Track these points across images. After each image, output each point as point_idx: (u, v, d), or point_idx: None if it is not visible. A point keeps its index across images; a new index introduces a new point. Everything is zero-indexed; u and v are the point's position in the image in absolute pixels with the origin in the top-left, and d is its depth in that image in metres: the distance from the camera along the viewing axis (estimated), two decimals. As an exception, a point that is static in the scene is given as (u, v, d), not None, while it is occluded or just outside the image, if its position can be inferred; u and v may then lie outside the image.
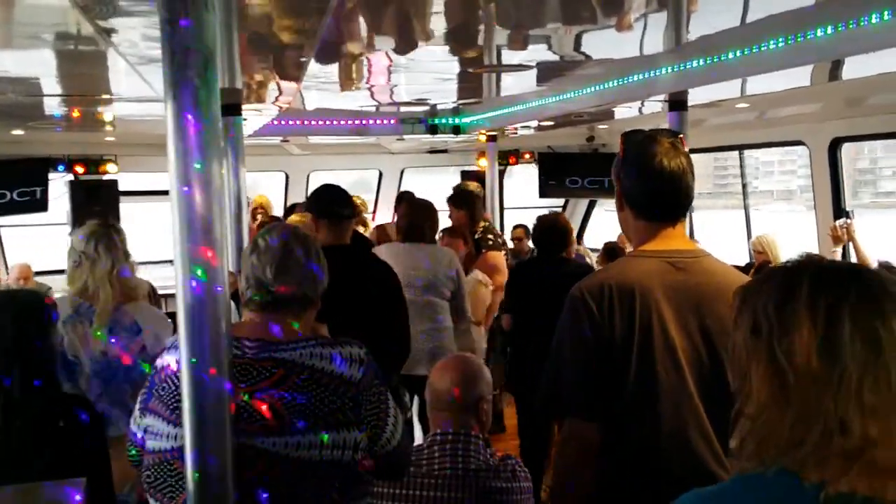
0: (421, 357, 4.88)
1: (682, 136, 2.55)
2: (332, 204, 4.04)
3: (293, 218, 5.73)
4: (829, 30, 3.41)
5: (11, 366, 2.50)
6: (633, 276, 2.35)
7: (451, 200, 6.54)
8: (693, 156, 2.50)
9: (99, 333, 3.38)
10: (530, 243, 9.36)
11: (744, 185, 8.69)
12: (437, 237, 5.63)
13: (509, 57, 4.58)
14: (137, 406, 2.18)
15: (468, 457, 2.72)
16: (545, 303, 4.97)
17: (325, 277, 2.28)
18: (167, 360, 2.14)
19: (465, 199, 6.60)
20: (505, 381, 5.92)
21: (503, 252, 7.03)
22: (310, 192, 10.32)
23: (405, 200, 6.13)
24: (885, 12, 3.07)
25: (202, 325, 1.89)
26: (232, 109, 4.25)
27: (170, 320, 3.70)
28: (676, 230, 2.44)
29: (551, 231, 5.23)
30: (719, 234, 9.17)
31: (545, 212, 11.03)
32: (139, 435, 2.17)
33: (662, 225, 2.42)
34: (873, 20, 3.14)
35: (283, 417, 2.00)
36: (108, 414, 3.45)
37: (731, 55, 3.97)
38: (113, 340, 3.44)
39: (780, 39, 3.62)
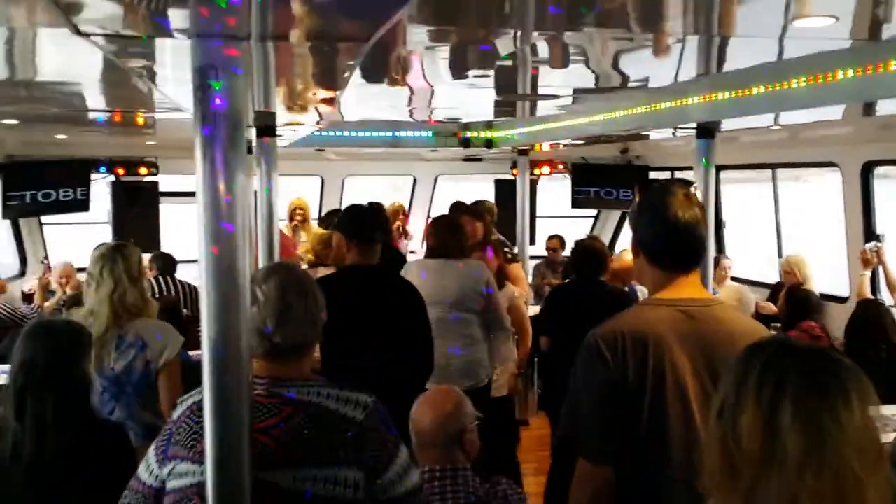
0: (454, 373, 5.01)
1: (695, 185, 2.63)
2: (363, 228, 4.18)
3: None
4: (854, 72, 3.44)
5: (45, 393, 2.64)
6: (646, 324, 2.43)
7: (471, 213, 6.64)
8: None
9: (100, 351, 3.54)
10: (564, 253, 9.48)
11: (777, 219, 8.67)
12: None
13: (545, 77, 4.60)
14: (153, 458, 2.25)
15: (457, 492, 2.80)
16: (582, 326, 5.08)
17: (324, 313, 2.35)
18: (180, 410, 2.26)
19: (482, 212, 6.73)
20: (539, 404, 6.01)
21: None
22: (344, 196, 10.58)
23: (435, 218, 6.24)
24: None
25: (225, 355, 1.99)
26: (267, 131, 4.38)
27: (173, 328, 3.90)
28: (690, 278, 2.52)
29: (588, 255, 5.32)
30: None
31: (576, 221, 11.17)
32: (151, 483, 2.23)
33: (676, 273, 2.50)
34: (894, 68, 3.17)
35: (288, 452, 2.10)
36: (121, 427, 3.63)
37: (760, 90, 4.00)
38: (120, 357, 3.64)
39: (805, 78, 3.66)
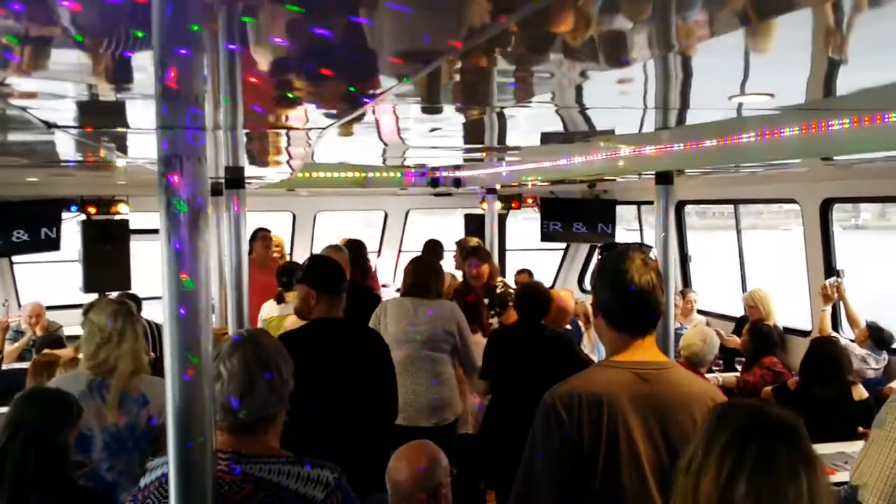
0: (422, 410, 5.14)
1: (652, 248, 2.74)
2: (330, 280, 4.18)
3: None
4: (800, 129, 3.59)
5: (26, 457, 2.69)
6: (601, 386, 2.51)
7: (478, 255, 6.75)
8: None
9: (105, 406, 3.57)
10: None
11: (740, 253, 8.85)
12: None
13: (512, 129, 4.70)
14: None
15: None
16: (522, 369, 5.15)
17: (290, 380, 2.37)
18: (149, 478, 2.28)
19: (488, 255, 6.85)
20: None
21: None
22: (315, 232, 10.61)
23: (414, 259, 6.34)
24: (847, 121, 3.26)
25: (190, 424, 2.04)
26: (235, 183, 4.46)
27: None
28: (645, 342, 2.60)
29: (530, 298, 5.37)
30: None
31: (546, 255, 11.31)
32: None
33: (632, 336, 2.59)
34: (837, 127, 3.32)
35: None
36: (117, 483, 3.65)
37: (714, 143, 4.14)
38: (122, 413, 3.64)
39: (755, 135, 3.79)
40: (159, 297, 2.02)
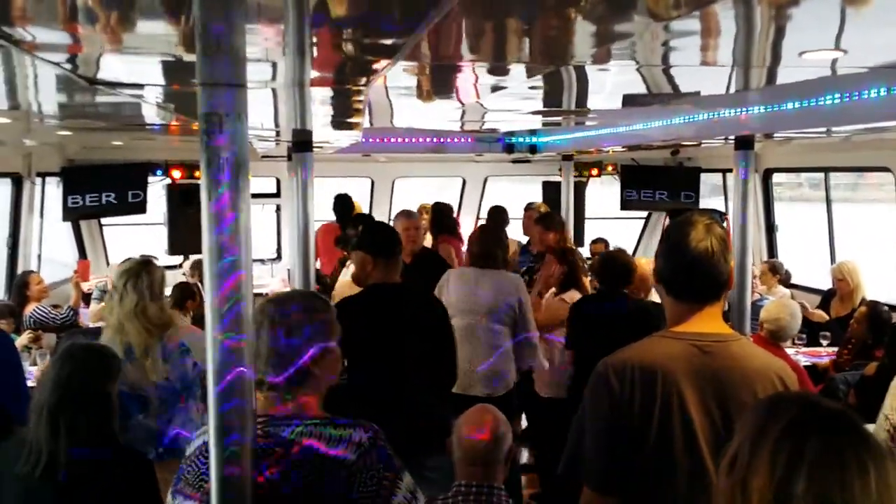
0: (476, 380, 5.10)
1: (726, 214, 2.60)
2: (385, 244, 4.16)
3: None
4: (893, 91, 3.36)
5: (79, 414, 2.71)
6: (657, 357, 2.40)
7: (542, 223, 6.67)
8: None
9: (148, 364, 3.67)
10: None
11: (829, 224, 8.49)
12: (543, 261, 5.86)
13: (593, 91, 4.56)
14: (170, 490, 2.27)
15: None
16: (605, 338, 5.04)
17: (310, 345, 2.26)
18: (194, 446, 2.28)
19: (557, 223, 6.76)
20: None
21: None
22: (394, 198, 10.66)
23: (480, 227, 6.28)
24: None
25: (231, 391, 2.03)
26: (302, 146, 4.45)
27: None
28: (706, 312, 2.45)
29: (610, 267, 5.32)
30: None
31: (625, 223, 11.08)
32: None
33: (692, 306, 2.45)
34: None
35: (278, 494, 2.10)
36: (180, 435, 3.72)
37: (804, 104, 3.92)
38: (170, 366, 3.75)
39: (846, 95, 3.58)
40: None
